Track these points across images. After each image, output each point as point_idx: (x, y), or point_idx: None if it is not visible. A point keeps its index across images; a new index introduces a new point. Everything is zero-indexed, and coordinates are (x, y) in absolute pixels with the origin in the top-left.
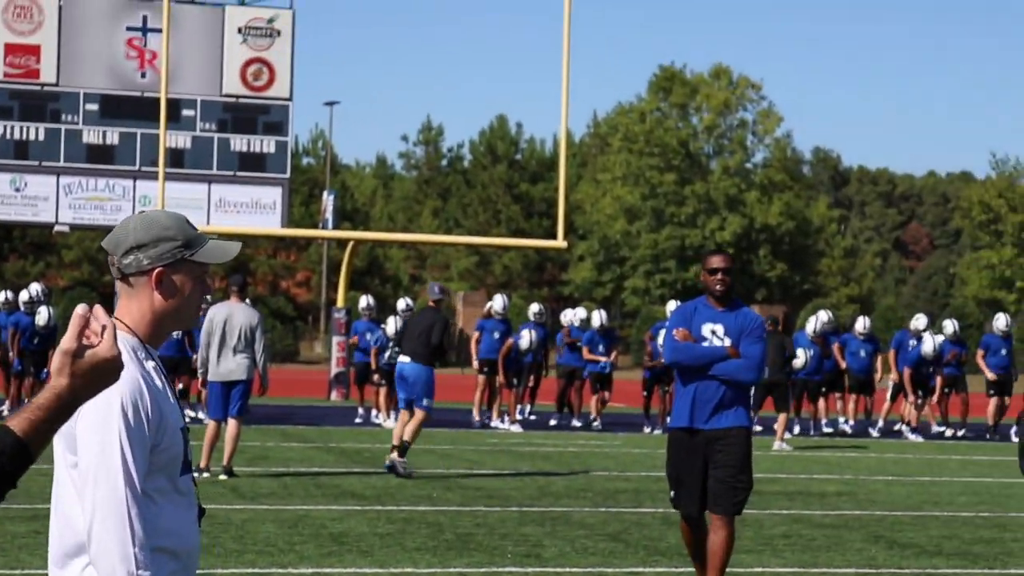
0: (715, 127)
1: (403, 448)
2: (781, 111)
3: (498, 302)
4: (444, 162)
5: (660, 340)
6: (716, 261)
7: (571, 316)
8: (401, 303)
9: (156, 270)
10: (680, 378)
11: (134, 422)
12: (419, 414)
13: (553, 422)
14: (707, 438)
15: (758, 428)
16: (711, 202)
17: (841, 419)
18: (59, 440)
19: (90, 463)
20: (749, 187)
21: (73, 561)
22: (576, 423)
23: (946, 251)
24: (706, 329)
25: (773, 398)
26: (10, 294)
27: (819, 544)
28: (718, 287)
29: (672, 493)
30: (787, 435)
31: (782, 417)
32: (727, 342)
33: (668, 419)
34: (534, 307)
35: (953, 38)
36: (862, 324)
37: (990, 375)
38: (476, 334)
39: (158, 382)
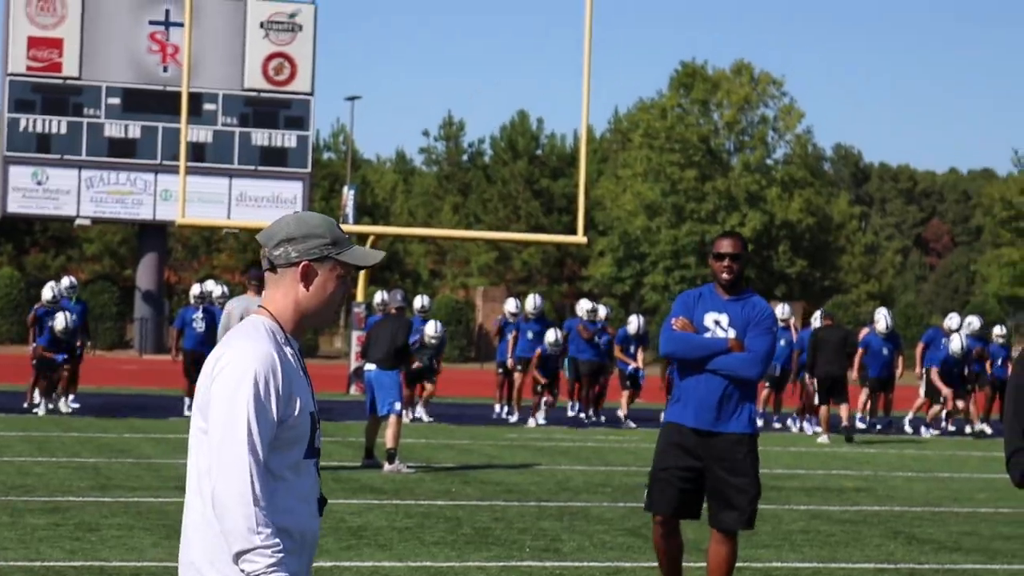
0: (736, 123)
1: (391, 455)
2: (802, 107)
3: (530, 303)
4: (465, 157)
5: None
6: (725, 245)
7: (584, 308)
8: (418, 302)
9: (303, 263)
10: (678, 372)
11: (263, 393)
12: (392, 419)
13: (584, 417)
14: (707, 442)
15: (764, 424)
16: (731, 198)
17: (858, 415)
18: (196, 411)
19: (216, 427)
20: (770, 183)
21: (204, 525)
22: (592, 417)
23: (967, 248)
24: (709, 319)
25: (831, 392)
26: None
27: (837, 540)
28: (724, 275)
29: (649, 492)
30: (814, 428)
31: (844, 408)
32: (731, 334)
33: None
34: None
35: (974, 34)
36: (883, 323)
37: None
38: (514, 332)
39: (293, 363)
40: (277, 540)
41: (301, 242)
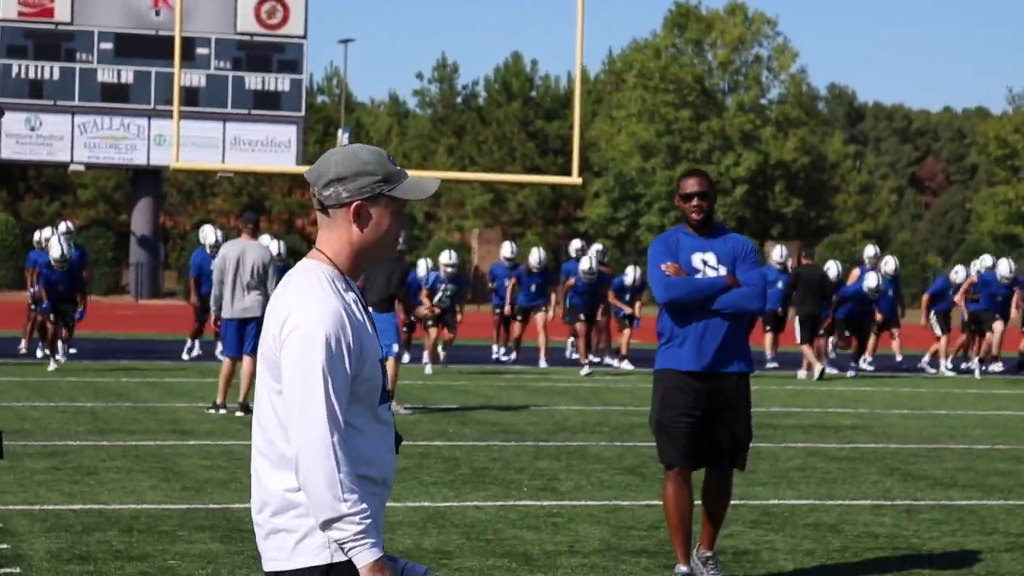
0: (730, 63)
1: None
2: (796, 47)
3: (534, 257)
4: (459, 100)
5: None
6: (691, 184)
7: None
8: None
9: (355, 203)
10: (673, 317)
11: (336, 354)
12: (390, 361)
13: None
14: (710, 385)
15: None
16: (726, 138)
17: (866, 357)
18: (263, 366)
19: (294, 395)
20: (764, 123)
21: (279, 475)
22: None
23: (962, 187)
24: (696, 259)
25: (809, 329)
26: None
27: (834, 477)
28: (694, 215)
29: (660, 445)
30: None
31: (807, 348)
32: (722, 271)
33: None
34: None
35: None
36: (892, 265)
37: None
38: (512, 280)
39: (358, 314)
40: (364, 506)
41: (352, 181)
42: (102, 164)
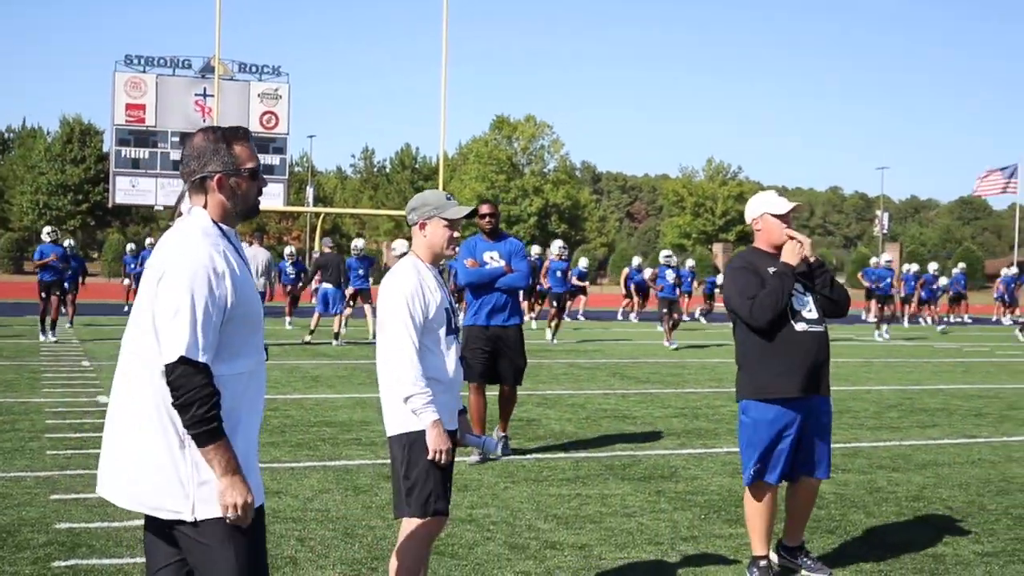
0: (527, 149)
1: (336, 335)
2: (563, 140)
3: (356, 244)
4: (375, 170)
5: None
6: (484, 208)
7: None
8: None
9: (420, 222)
10: (472, 292)
11: (411, 309)
12: (340, 316)
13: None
14: (494, 333)
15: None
16: (525, 191)
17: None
18: (380, 316)
19: (390, 329)
20: (546, 182)
21: (386, 378)
22: None
23: (655, 218)
24: (486, 256)
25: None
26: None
27: (583, 378)
28: (487, 226)
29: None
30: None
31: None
32: (502, 263)
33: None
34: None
35: (657, 91)
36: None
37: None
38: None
39: (430, 283)
40: (428, 390)
41: (419, 211)
42: (171, 205)
